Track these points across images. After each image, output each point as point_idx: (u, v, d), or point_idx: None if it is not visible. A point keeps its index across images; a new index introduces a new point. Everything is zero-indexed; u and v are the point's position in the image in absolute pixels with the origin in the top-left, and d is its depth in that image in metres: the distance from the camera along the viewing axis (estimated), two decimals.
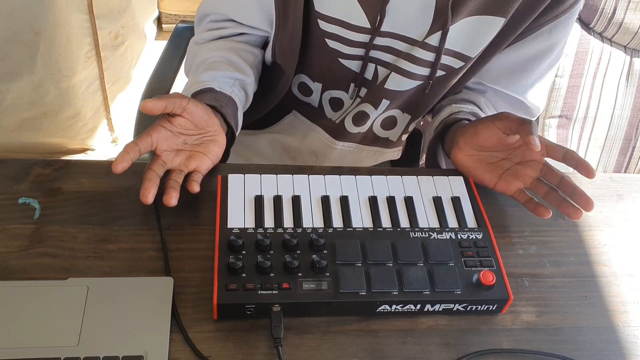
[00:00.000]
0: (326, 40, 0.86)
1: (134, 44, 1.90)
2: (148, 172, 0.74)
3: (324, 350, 0.68)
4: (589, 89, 1.44)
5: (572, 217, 0.79)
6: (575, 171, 0.78)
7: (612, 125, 1.48)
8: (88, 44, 1.71)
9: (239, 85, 0.88)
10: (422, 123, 1.18)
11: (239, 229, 0.74)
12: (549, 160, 0.82)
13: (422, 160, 1.18)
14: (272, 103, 0.98)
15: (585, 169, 0.76)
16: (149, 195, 0.72)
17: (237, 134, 0.86)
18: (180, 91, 0.92)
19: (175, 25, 1.24)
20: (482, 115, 0.92)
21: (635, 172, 1.51)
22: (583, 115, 1.46)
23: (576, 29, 1.41)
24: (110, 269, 0.72)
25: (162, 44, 1.19)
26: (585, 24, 1.42)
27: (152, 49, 2.03)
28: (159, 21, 2.35)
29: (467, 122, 0.88)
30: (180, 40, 1.20)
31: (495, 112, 0.98)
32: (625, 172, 1.52)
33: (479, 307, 0.73)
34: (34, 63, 1.63)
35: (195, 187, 0.76)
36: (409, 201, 0.81)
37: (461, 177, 0.85)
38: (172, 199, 0.73)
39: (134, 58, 1.93)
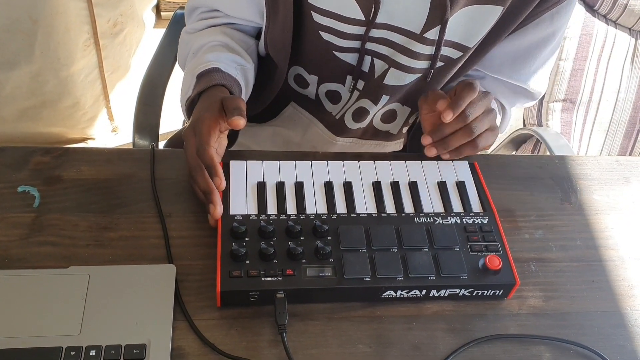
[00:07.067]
0: (320, 32, 0.85)
1: (133, 32, 1.88)
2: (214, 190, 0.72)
3: (329, 337, 0.68)
4: (594, 72, 1.43)
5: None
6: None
7: (617, 109, 1.46)
8: (86, 32, 1.69)
9: (241, 70, 0.87)
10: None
11: (242, 215, 0.73)
12: None
13: None
14: (269, 96, 0.96)
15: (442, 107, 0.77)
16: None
17: None
18: (181, 80, 0.92)
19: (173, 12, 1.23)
20: None
21: None
22: (587, 98, 1.45)
23: (580, 12, 1.39)
24: (111, 257, 0.71)
25: (161, 32, 1.18)
26: (589, 6, 1.40)
27: (151, 37, 2.01)
28: (157, 9, 2.33)
29: None
30: (178, 27, 1.18)
31: (497, 100, 0.98)
32: (630, 155, 1.51)
33: (485, 292, 0.72)
34: (32, 52, 1.61)
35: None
36: (413, 186, 0.80)
37: (466, 162, 0.84)
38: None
39: (133, 46, 1.91)
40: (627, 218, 0.85)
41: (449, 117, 0.76)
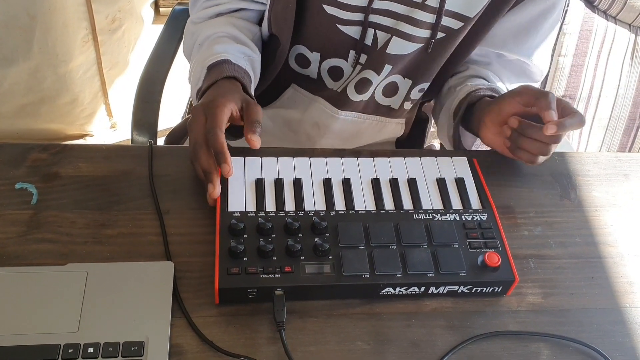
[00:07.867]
0: (324, 6, 0.86)
1: (132, 28, 1.88)
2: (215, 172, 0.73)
3: (327, 334, 0.67)
4: (593, 68, 1.42)
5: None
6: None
7: (616, 105, 1.46)
8: (85, 28, 1.68)
9: (249, 61, 0.89)
10: (427, 104, 1.16)
11: (240, 212, 0.73)
12: None
13: (425, 145, 1.17)
14: (269, 78, 0.97)
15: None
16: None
17: None
18: (187, 73, 0.92)
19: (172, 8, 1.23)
20: (500, 89, 0.93)
21: None
22: (587, 95, 1.44)
23: (580, 7, 1.38)
24: (109, 254, 0.71)
25: (160, 28, 1.17)
26: (589, 1, 1.39)
27: (150, 33, 2.00)
28: (156, 5, 2.32)
29: (489, 98, 0.89)
30: (177, 22, 1.18)
31: (503, 84, 0.99)
32: (629, 152, 1.50)
33: (484, 289, 0.72)
34: (30, 48, 1.61)
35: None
36: (412, 183, 0.80)
37: (465, 158, 0.84)
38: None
39: (132, 42, 1.91)
40: (626, 214, 0.85)
41: (551, 131, 0.75)
